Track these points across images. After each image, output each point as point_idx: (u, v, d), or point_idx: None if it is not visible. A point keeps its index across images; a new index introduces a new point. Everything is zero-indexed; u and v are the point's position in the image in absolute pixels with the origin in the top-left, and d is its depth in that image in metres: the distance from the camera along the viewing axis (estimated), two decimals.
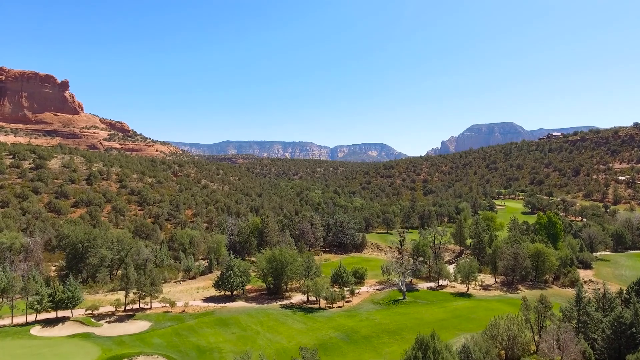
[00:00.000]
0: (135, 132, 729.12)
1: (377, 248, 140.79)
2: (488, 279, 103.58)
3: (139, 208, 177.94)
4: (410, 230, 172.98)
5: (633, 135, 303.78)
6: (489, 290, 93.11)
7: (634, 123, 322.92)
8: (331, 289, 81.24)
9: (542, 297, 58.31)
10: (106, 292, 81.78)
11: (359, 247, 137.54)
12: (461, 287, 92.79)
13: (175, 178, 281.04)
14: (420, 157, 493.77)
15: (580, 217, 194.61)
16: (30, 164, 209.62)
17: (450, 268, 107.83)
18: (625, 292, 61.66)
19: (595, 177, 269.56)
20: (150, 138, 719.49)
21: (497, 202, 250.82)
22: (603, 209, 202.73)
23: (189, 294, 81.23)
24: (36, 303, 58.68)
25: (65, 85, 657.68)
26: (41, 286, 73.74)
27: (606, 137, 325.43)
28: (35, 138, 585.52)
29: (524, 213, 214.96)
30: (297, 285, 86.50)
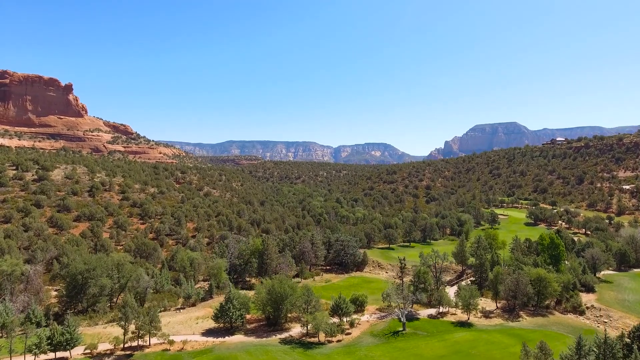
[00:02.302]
0: (138, 134, 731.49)
1: (379, 266, 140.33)
2: (489, 303, 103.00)
3: (141, 222, 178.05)
4: (412, 244, 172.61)
5: (638, 142, 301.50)
6: (490, 318, 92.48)
7: (639, 130, 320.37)
8: (331, 321, 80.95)
9: (542, 344, 57.78)
10: (106, 323, 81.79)
11: (360, 265, 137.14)
12: (462, 316, 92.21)
13: (177, 186, 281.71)
14: (423, 161, 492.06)
15: (584, 229, 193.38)
16: (33, 175, 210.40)
17: (451, 292, 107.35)
18: (626, 336, 61.05)
19: (599, 185, 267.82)
20: (153, 140, 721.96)
21: (499, 211, 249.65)
22: (607, 221, 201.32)
23: (188, 326, 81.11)
24: (34, 347, 58.76)
25: (69, 88, 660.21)
26: (40, 320, 74.09)
27: (610, 143, 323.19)
28: (40, 141, 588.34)
29: (527, 224, 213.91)
30: (297, 315, 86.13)
